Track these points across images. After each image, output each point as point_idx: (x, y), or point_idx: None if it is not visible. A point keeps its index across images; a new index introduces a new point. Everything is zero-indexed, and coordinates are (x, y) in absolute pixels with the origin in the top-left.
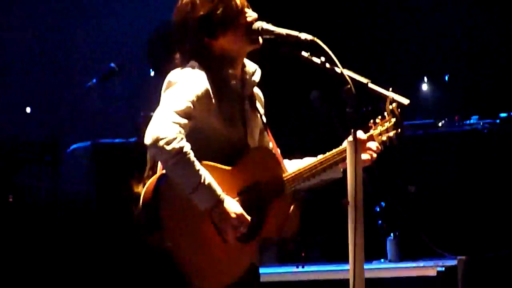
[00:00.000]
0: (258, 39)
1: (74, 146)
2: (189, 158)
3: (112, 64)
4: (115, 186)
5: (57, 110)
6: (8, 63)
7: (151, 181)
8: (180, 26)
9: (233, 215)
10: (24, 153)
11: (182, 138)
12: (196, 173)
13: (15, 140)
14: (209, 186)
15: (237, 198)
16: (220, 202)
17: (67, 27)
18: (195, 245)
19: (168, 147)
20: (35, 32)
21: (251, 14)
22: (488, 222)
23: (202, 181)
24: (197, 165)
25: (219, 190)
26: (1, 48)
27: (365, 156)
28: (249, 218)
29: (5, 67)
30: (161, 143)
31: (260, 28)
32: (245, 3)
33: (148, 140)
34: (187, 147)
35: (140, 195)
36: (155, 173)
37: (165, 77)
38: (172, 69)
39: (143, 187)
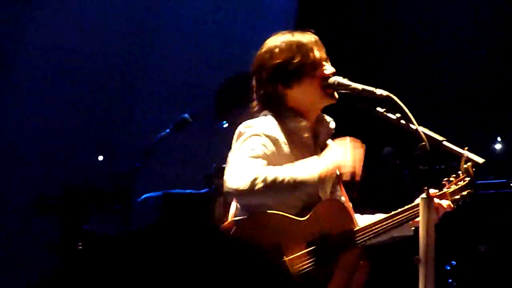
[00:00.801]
0: (334, 94)
1: (146, 195)
2: (276, 177)
3: (186, 115)
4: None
5: (129, 159)
6: (80, 113)
7: (222, 227)
8: (257, 73)
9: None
10: (95, 202)
11: (258, 171)
12: (290, 180)
13: (87, 188)
14: (304, 175)
15: (306, 250)
16: (322, 163)
17: (139, 74)
18: None
19: (252, 190)
20: (103, 78)
21: (328, 68)
22: None
23: (299, 177)
24: (282, 173)
25: (311, 165)
26: (71, 95)
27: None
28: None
29: (78, 114)
30: (245, 191)
31: (336, 82)
32: (324, 57)
33: (231, 192)
34: (265, 169)
35: None
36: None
37: (235, 127)
38: (245, 119)
39: None
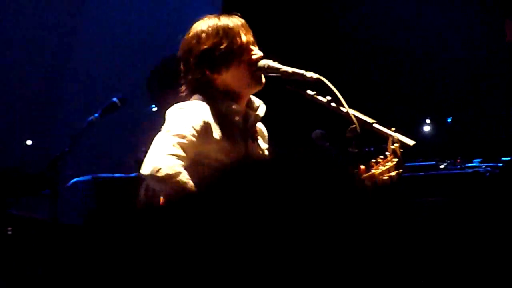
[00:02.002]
0: (261, 78)
1: (75, 180)
2: (186, 184)
3: (115, 99)
4: (115, 220)
5: (58, 144)
6: (8, 96)
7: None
8: (184, 59)
9: None
10: (23, 186)
11: (178, 166)
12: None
13: (14, 172)
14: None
15: None
16: None
17: (68, 59)
18: None
19: (165, 177)
20: (32, 62)
21: (256, 52)
22: (486, 265)
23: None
24: (194, 188)
25: None
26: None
27: None
28: None
29: (6, 100)
30: (159, 173)
31: (266, 66)
32: (252, 41)
33: (146, 171)
34: (184, 173)
35: None
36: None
37: (165, 111)
38: (175, 103)
39: None
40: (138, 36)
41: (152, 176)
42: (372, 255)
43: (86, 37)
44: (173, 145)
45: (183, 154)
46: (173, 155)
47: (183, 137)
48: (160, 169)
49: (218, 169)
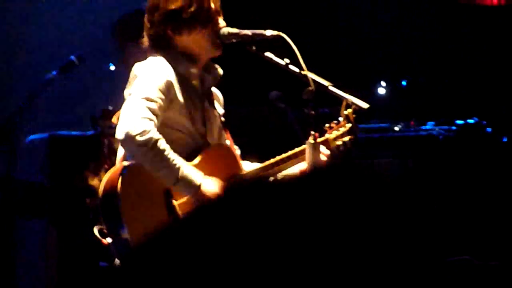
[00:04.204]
0: (221, 45)
1: (32, 137)
2: (164, 150)
3: (72, 57)
4: (72, 178)
5: (16, 101)
6: None
7: (112, 173)
8: (150, 14)
9: (213, 195)
10: None
11: (155, 131)
12: (174, 165)
13: None
14: (187, 177)
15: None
16: (200, 188)
17: (27, 14)
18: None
19: (143, 141)
20: None
21: (220, 22)
22: (438, 227)
23: (180, 173)
24: (174, 157)
25: (197, 177)
26: None
27: (322, 158)
28: None
29: None
30: (137, 138)
31: (226, 33)
32: (219, 9)
33: (121, 135)
34: (162, 140)
35: (95, 188)
36: (112, 166)
37: (126, 66)
38: (138, 56)
39: (99, 179)
40: None
41: (130, 141)
42: (329, 221)
43: None
44: (147, 109)
45: (155, 117)
46: (148, 119)
47: (154, 100)
48: (138, 134)
49: (181, 131)
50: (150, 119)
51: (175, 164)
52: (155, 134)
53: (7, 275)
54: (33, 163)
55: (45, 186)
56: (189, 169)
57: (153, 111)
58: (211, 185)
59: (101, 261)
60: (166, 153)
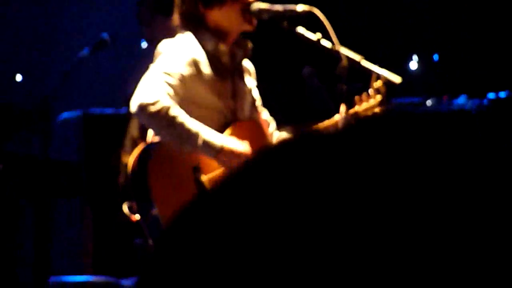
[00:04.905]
0: (252, 20)
1: (64, 115)
2: (179, 116)
3: (104, 35)
4: (106, 156)
5: (49, 79)
6: None
7: (138, 149)
8: None
9: (239, 153)
10: (13, 121)
11: (169, 100)
12: (190, 130)
13: (4, 107)
14: (208, 140)
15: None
16: (223, 148)
17: None
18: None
19: (156, 111)
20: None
21: None
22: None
23: (200, 138)
24: (190, 122)
25: (218, 138)
26: None
27: None
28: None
29: None
30: (149, 108)
31: (257, 10)
32: None
33: (134, 107)
34: (176, 107)
35: (128, 165)
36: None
37: (152, 42)
38: (169, 35)
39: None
40: None
41: (143, 111)
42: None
43: None
44: (163, 82)
45: (172, 91)
46: (163, 90)
47: (173, 74)
48: (151, 104)
49: (208, 108)
50: (165, 90)
51: (191, 129)
52: (167, 102)
53: (44, 255)
54: (67, 141)
55: (79, 165)
56: (208, 132)
57: (169, 84)
58: (234, 144)
59: (136, 239)
60: (180, 119)
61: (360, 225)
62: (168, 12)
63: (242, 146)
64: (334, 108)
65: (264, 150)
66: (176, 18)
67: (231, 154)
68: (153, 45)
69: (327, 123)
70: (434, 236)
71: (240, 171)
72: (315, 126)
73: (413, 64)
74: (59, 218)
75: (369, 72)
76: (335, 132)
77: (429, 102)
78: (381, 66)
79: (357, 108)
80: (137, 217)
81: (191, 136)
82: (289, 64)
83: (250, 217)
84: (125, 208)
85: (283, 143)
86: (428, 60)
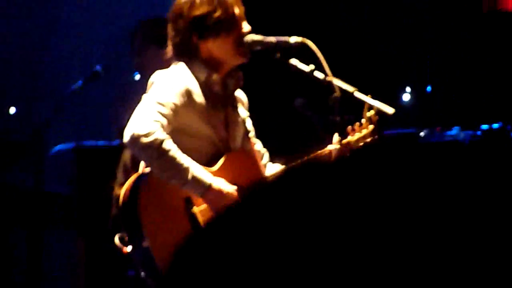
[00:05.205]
0: (247, 52)
1: (58, 147)
2: (170, 150)
3: (98, 67)
4: (99, 188)
5: (42, 111)
6: None
7: (130, 181)
8: (174, 22)
9: (226, 194)
10: (6, 153)
11: (162, 132)
12: (181, 165)
13: None
14: (196, 177)
15: None
16: (211, 187)
17: (47, 26)
18: (173, 243)
19: (148, 143)
20: (15, 30)
21: (245, 27)
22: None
23: (190, 174)
24: (181, 157)
25: (207, 177)
26: None
27: None
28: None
29: None
30: (142, 139)
31: (251, 41)
32: (243, 16)
33: (127, 137)
34: (169, 140)
35: (120, 196)
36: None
37: (144, 72)
38: (161, 66)
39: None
40: (120, 4)
41: (135, 142)
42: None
43: (72, 4)
44: (156, 112)
45: (165, 121)
46: (156, 121)
47: (166, 104)
48: (143, 135)
49: (200, 138)
50: (158, 121)
51: (182, 164)
52: (160, 135)
53: (36, 285)
54: (60, 173)
55: (72, 197)
56: (198, 169)
57: (162, 115)
58: (222, 184)
59: (128, 271)
60: (172, 153)
61: (355, 259)
62: (160, 42)
63: (230, 188)
64: (327, 138)
65: (259, 184)
66: (169, 50)
67: (219, 193)
68: (145, 75)
69: (320, 153)
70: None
71: (236, 206)
72: (308, 157)
73: (406, 96)
74: (52, 249)
75: (362, 103)
76: (329, 164)
77: (422, 134)
78: (374, 97)
79: (349, 138)
80: (128, 249)
81: (181, 171)
82: (281, 94)
83: (250, 252)
84: (116, 239)
85: (279, 176)
86: (421, 91)
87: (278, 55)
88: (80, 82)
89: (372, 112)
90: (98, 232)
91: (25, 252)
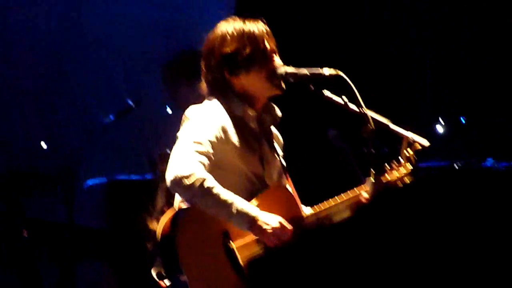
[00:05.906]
0: (281, 84)
1: (90, 182)
2: (213, 188)
3: (130, 101)
4: (131, 223)
5: (74, 146)
6: (23, 96)
7: (168, 215)
8: (206, 58)
9: (270, 229)
10: (38, 188)
11: (202, 171)
12: (225, 201)
13: (30, 174)
14: (242, 211)
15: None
16: (256, 219)
17: (79, 58)
18: (210, 277)
19: (191, 183)
20: (46, 64)
21: (277, 61)
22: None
23: (234, 208)
24: (224, 193)
25: (252, 210)
26: (14, 83)
27: None
28: (288, 226)
29: (20, 102)
30: (184, 181)
31: (284, 73)
32: (274, 49)
33: (169, 179)
34: (210, 178)
35: (154, 231)
36: (170, 208)
37: (182, 111)
38: (194, 100)
39: (158, 222)
40: (152, 36)
41: (178, 184)
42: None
43: (100, 35)
44: (195, 152)
45: (204, 159)
46: (196, 161)
47: (204, 142)
48: (185, 176)
49: (236, 174)
50: (198, 161)
51: (226, 200)
52: (201, 174)
53: None
54: (92, 208)
55: (104, 231)
56: (242, 203)
57: (201, 153)
58: (268, 218)
59: None
60: (215, 191)
61: None
62: (192, 76)
63: (275, 219)
64: (360, 171)
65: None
66: (203, 86)
67: (265, 226)
68: (177, 108)
69: (354, 191)
70: None
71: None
72: (345, 196)
73: (440, 127)
74: (84, 283)
75: (397, 135)
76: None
77: (456, 165)
78: (408, 129)
79: (388, 177)
80: (166, 283)
81: (226, 206)
82: (315, 127)
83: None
84: (153, 273)
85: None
86: (454, 123)
87: (311, 87)
88: (111, 117)
89: (411, 152)
90: (130, 265)
91: (57, 285)
